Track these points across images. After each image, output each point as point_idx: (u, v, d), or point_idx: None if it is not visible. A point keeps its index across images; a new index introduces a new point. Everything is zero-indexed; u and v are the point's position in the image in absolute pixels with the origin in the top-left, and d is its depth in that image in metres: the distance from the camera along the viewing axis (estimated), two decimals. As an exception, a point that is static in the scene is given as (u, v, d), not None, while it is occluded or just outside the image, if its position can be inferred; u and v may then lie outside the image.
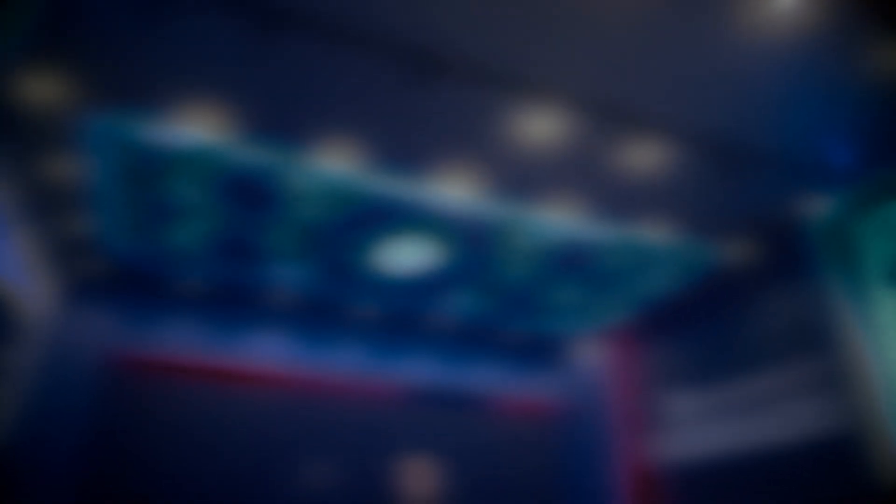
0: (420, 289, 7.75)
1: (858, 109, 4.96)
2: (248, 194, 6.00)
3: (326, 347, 8.36)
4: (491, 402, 8.92)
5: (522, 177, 5.72)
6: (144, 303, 7.77)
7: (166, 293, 7.82)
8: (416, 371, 8.67)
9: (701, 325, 7.42)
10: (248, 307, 8.14)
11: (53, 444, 6.65)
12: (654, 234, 6.44)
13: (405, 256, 7.05)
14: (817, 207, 5.90)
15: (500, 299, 8.00)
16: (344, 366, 8.32)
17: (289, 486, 6.34)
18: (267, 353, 8.05)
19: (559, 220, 6.31)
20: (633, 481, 7.71)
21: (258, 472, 7.28)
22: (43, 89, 4.84)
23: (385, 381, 8.42)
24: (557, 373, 9.54)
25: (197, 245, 6.91)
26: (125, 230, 6.75)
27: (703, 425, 7.03)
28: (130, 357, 7.40)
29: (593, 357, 8.95)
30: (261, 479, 7.22)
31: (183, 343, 7.74)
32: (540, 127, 5.08)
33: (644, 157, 5.30)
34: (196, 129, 5.23)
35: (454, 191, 5.86)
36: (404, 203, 6.06)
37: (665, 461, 7.46)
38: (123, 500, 4.71)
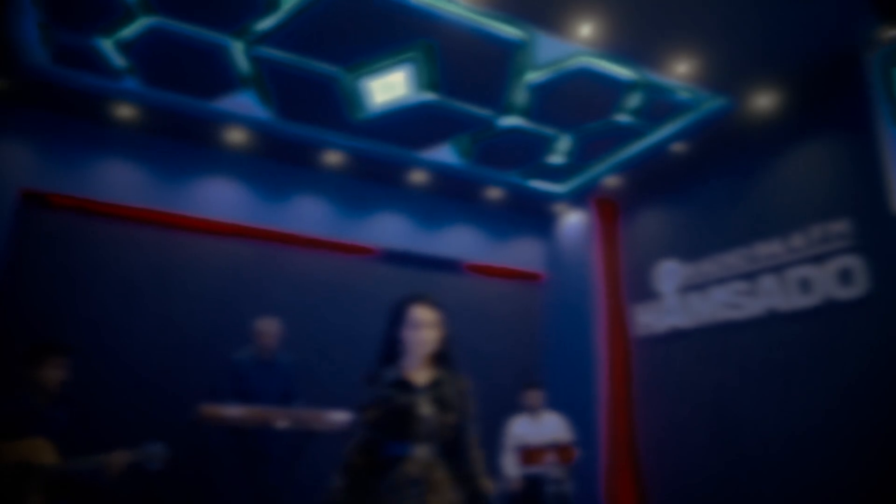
0: (397, 131, 6.73)
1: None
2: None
3: (287, 199, 7.34)
4: (469, 266, 8.29)
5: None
6: (69, 132, 6.40)
7: (95, 122, 6.51)
8: (390, 230, 7.82)
9: (707, 186, 6.75)
10: (194, 146, 6.92)
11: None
12: (677, 72, 5.53)
13: (383, 88, 6.00)
14: (877, 48, 5.01)
15: (485, 149, 7.08)
16: (306, 221, 7.37)
17: (237, 339, 5.68)
18: (216, 202, 6.99)
19: (571, 47, 5.33)
20: (618, 348, 7.37)
21: (202, 324, 6.56)
22: None
23: (354, 239, 7.60)
24: (541, 238, 8.89)
25: (131, 57, 5.64)
26: (40, 31, 5.41)
27: (700, 292, 6.57)
28: (51, 197, 6.23)
29: (579, 223, 8.31)
30: (205, 332, 6.50)
31: (116, 183, 6.57)
32: None
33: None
34: None
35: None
36: (390, 5, 4.92)
37: (656, 328, 7.07)
38: (44, 350, 3.89)
